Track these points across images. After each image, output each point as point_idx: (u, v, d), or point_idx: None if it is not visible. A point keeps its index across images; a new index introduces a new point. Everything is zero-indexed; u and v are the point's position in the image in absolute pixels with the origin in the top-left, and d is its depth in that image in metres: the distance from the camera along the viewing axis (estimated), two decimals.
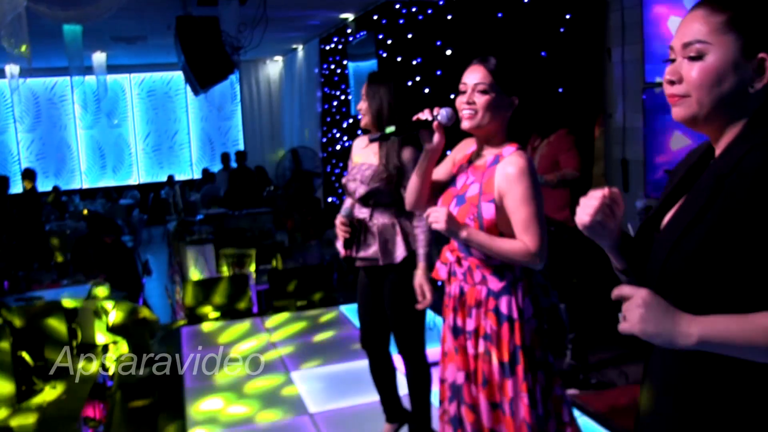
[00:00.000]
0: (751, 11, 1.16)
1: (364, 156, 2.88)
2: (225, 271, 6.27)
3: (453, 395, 2.19)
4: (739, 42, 1.15)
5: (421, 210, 2.31)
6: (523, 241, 2.01)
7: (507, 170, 2.02)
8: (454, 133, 2.16)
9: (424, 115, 2.11)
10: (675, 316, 1.09)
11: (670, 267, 1.17)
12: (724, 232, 1.10)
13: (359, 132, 8.35)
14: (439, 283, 2.42)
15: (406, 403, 3.09)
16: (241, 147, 13.55)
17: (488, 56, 2.09)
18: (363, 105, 2.83)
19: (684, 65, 1.20)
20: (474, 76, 2.07)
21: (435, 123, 2.09)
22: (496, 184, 2.03)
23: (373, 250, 2.80)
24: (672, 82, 1.21)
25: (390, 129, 2.11)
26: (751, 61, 1.15)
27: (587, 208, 1.24)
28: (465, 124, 2.08)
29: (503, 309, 2.07)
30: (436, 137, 2.11)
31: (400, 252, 2.78)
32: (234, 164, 10.37)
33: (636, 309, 1.09)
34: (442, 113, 2.09)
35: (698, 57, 1.18)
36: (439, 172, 2.26)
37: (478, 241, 2.02)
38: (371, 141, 2.45)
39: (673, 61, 1.23)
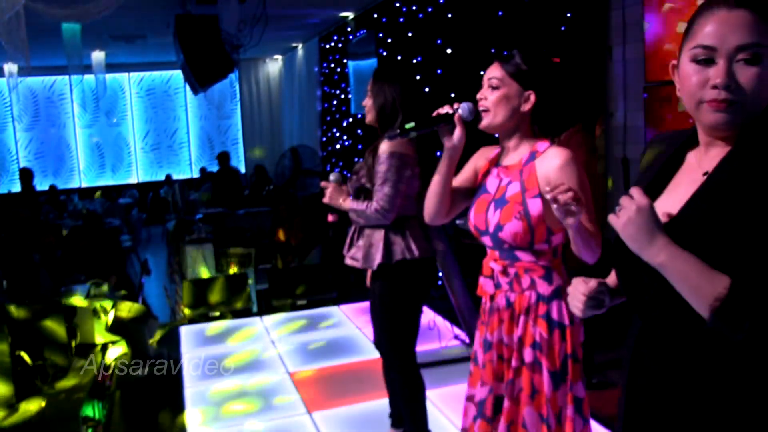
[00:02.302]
0: None
1: None
2: (224, 270, 6.26)
3: (478, 413, 2.09)
4: None
5: (441, 222, 2.18)
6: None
7: (552, 163, 1.91)
8: (474, 133, 2.08)
9: (444, 109, 2.01)
10: (656, 233, 1.13)
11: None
12: (747, 224, 1.11)
13: (359, 131, 8.34)
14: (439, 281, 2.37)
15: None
16: (241, 146, 13.55)
17: (512, 51, 2.00)
18: (368, 102, 2.79)
19: (738, 69, 1.15)
20: (489, 72, 2.01)
21: (456, 116, 1.99)
22: (541, 178, 1.93)
23: (357, 252, 2.78)
24: (728, 87, 1.15)
25: (409, 125, 2.02)
26: None
27: (576, 303, 1.36)
28: (481, 123, 2.01)
29: (554, 315, 1.96)
30: (457, 133, 2.00)
31: (378, 258, 2.72)
32: (217, 167, 10.22)
33: (629, 210, 1.14)
34: (462, 107, 2.00)
35: (755, 61, 1.14)
36: (459, 180, 2.15)
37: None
38: (389, 138, 2.39)
39: (709, 61, 1.18)
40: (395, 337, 2.83)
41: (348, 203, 2.76)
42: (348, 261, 2.86)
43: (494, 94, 1.98)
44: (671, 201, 1.26)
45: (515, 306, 2.01)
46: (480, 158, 2.17)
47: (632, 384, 1.32)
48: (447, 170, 2.07)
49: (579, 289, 1.35)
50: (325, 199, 2.82)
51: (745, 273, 1.09)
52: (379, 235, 2.73)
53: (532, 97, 1.98)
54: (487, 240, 2.04)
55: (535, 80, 1.98)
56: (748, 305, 1.07)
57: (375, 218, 2.68)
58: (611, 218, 1.18)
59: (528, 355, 1.97)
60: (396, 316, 2.81)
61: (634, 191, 1.15)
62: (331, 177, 2.85)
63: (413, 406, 2.90)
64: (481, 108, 2.00)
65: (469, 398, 2.15)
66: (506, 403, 2.01)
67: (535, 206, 1.93)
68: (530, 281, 1.99)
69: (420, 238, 2.75)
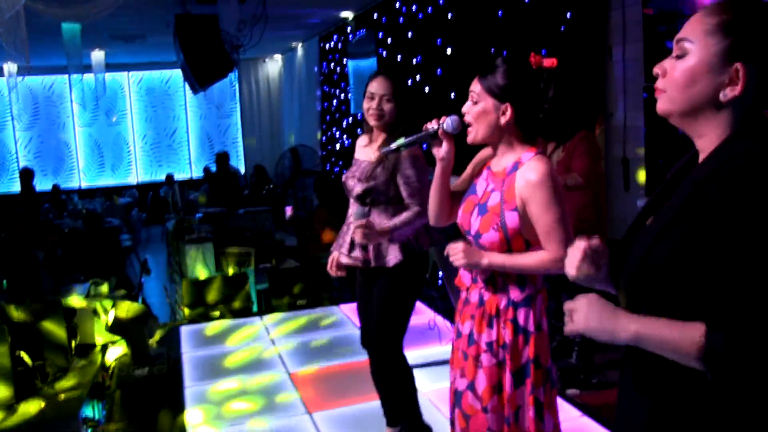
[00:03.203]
0: (745, 20, 1.15)
1: (366, 154, 2.87)
2: (224, 269, 6.25)
3: (455, 401, 2.16)
4: (722, 46, 1.15)
5: (444, 224, 2.27)
6: (546, 249, 1.96)
7: (528, 177, 1.96)
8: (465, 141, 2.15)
9: (432, 124, 2.10)
10: (616, 313, 1.18)
11: (644, 268, 1.19)
12: (694, 238, 1.12)
13: (359, 131, 8.35)
14: (440, 282, 2.40)
15: None
16: (241, 145, 13.54)
17: (496, 61, 2.04)
18: (388, 105, 2.74)
19: (669, 60, 1.22)
20: (472, 85, 2.07)
21: (440, 131, 2.08)
22: (517, 192, 1.97)
23: (361, 251, 2.78)
24: (657, 76, 1.24)
25: (400, 141, 2.15)
26: (729, 68, 1.15)
27: (572, 261, 1.31)
28: (467, 139, 2.08)
29: (521, 320, 2.03)
30: (444, 146, 2.10)
31: (393, 256, 2.75)
32: (214, 167, 10.18)
33: (581, 309, 1.19)
34: (447, 122, 2.07)
35: (681, 55, 1.20)
36: (460, 181, 2.23)
37: (501, 264, 1.99)
38: (384, 154, 2.52)
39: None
40: (394, 329, 2.86)
41: (392, 222, 2.72)
42: (349, 261, 2.87)
43: (474, 108, 2.04)
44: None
45: (486, 306, 2.07)
46: (479, 158, 2.23)
47: (620, 383, 1.35)
48: (440, 179, 2.17)
49: (578, 245, 1.30)
50: (362, 239, 2.68)
51: (716, 309, 1.09)
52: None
53: (509, 111, 2.00)
54: (470, 239, 2.11)
55: (509, 93, 2.00)
56: (731, 345, 1.06)
57: (420, 221, 2.72)
58: (568, 329, 1.22)
59: (501, 354, 2.05)
60: (401, 308, 2.84)
61: (572, 303, 1.22)
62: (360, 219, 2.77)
63: (408, 397, 2.94)
64: (466, 121, 2.07)
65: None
66: (469, 399, 2.09)
67: (512, 219, 1.98)
68: (504, 285, 2.05)
69: (422, 231, 2.82)
